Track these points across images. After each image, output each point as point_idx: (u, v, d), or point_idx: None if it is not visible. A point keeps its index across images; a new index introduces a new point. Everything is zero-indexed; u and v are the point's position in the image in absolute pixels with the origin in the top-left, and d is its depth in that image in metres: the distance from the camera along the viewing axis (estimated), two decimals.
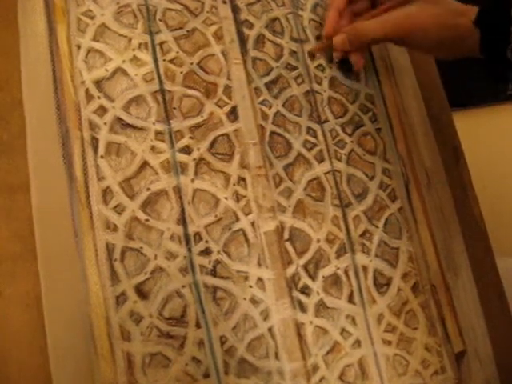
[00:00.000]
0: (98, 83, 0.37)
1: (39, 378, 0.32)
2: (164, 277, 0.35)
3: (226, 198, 0.38)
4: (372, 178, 0.45)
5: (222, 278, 0.37)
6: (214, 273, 0.37)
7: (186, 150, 0.38)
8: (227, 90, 0.41)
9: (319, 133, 0.44)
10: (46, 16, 0.37)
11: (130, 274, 0.35)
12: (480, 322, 0.46)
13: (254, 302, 0.37)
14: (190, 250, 0.36)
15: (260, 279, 0.38)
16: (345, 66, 0.46)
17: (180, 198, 0.37)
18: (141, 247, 0.35)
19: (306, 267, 0.40)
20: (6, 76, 0.36)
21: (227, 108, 0.40)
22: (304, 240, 0.40)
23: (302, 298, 0.39)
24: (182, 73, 0.40)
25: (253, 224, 0.39)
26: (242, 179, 0.39)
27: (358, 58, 0.45)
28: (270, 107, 0.42)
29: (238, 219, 0.38)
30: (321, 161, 0.43)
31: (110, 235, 0.35)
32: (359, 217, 0.43)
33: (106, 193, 0.35)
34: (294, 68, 0.44)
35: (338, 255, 0.41)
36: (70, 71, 0.36)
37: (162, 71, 0.39)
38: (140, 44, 0.39)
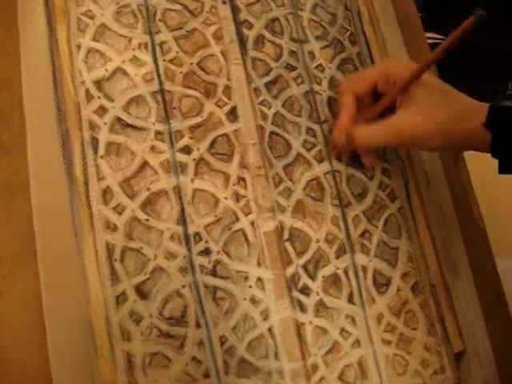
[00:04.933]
0: (98, 83, 0.37)
1: (39, 378, 0.32)
2: (164, 277, 0.35)
3: (225, 198, 0.38)
4: (371, 178, 0.45)
5: (222, 277, 0.37)
6: (213, 273, 0.37)
7: (186, 150, 0.38)
8: (227, 90, 0.41)
9: (319, 133, 0.44)
10: (46, 16, 0.37)
11: (129, 273, 0.35)
12: (479, 321, 0.46)
13: (254, 302, 0.37)
14: (189, 249, 0.36)
15: (260, 279, 0.38)
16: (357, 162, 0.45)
17: (180, 198, 0.37)
18: (141, 247, 0.35)
19: (305, 267, 0.40)
20: (6, 76, 0.36)
21: (227, 108, 0.40)
22: (303, 240, 0.40)
23: (302, 297, 0.39)
24: (181, 73, 0.40)
25: (252, 224, 0.39)
26: (241, 179, 0.39)
27: (367, 157, 0.43)
28: (270, 107, 0.42)
29: (237, 219, 0.38)
30: (320, 161, 0.43)
31: (110, 235, 0.35)
32: (359, 217, 0.43)
33: (106, 193, 0.35)
34: (294, 68, 0.44)
35: (338, 255, 0.41)
36: (70, 71, 0.36)
37: (161, 71, 0.39)
38: (140, 44, 0.39)
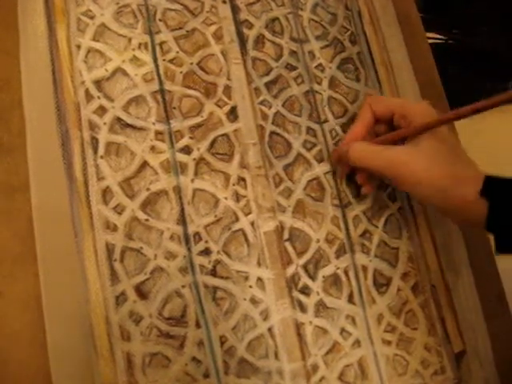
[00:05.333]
0: (98, 83, 0.37)
1: (39, 378, 0.32)
2: (164, 277, 0.35)
3: (225, 198, 0.38)
4: None
5: (222, 278, 0.37)
6: (213, 273, 0.37)
7: (186, 149, 0.38)
8: (227, 90, 0.41)
9: (319, 133, 0.44)
10: (46, 16, 0.37)
11: (129, 273, 0.35)
12: (480, 322, 0.46)
13: (254, 302, 0.37)
14: (189, 249, 0.36)
15: (260, 279, 0.38)
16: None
17: (180, 198, 0.37)
18: (140, 247, 0.35)
19: (305, 267, 0.40)
20: (6, 76, 0.36)
21: (227, 108, 0.40)
22: (304, 240, 0.40)
23: (302, 298, 0.39)
24: (181, 73, 0.40)
25: (252, 224, 0.39)
26: (241, 179, 0.39)
27: (363, 179, 0.42)
28: (270, 107, 0.42)
29: (237, 219, 0.38)
30: (320, 161, 0.43)
31: (109, 235, 0.35)
32: (359, 217, 0.43)
33: (106, 193, 0.35)
34: (294, 68, 0.44)
35: (338, 255, 0.41)
36: (70, 71, 0.36)
37: (161, 71, 0.39)
38: (140, 44, 0.39)
